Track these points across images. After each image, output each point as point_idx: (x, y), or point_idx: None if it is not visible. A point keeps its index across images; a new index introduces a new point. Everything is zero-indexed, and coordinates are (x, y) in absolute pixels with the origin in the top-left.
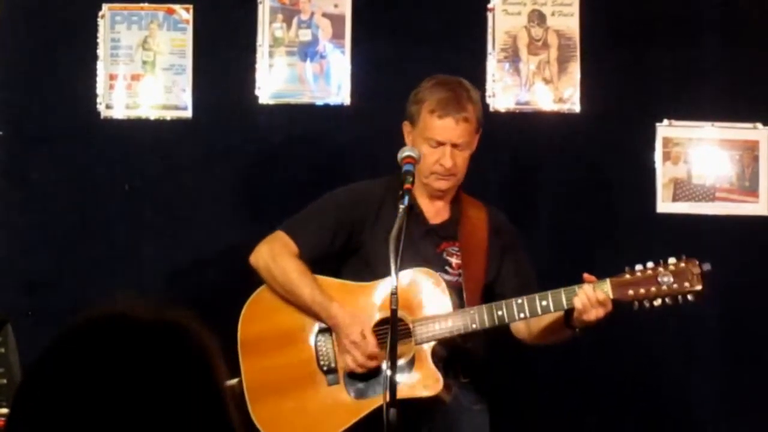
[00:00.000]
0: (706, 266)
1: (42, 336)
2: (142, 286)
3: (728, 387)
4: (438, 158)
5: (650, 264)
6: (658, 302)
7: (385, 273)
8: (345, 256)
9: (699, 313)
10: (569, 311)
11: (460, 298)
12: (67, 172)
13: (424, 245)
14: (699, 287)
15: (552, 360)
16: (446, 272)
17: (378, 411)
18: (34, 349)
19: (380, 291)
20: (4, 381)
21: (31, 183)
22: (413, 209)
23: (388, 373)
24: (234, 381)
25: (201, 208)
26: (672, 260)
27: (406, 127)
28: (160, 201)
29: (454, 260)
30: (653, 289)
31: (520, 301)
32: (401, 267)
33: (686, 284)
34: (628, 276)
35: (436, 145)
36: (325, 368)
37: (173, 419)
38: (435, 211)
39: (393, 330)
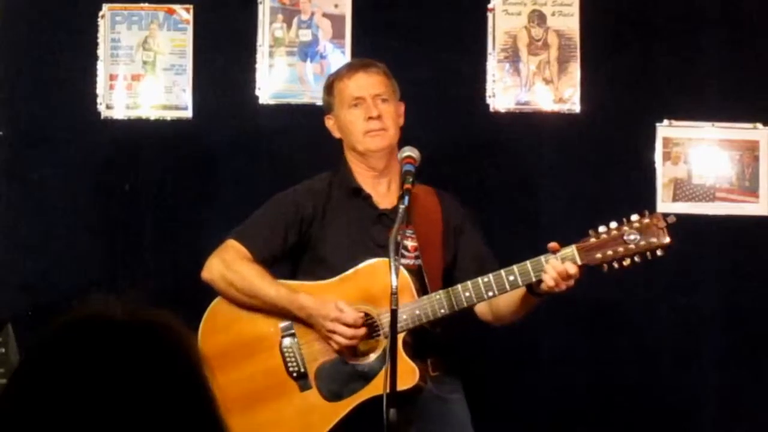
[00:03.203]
0: (671, 218)
1: (36, 334)
2: (142, 286)
3: (728, 387)
4: (363, 114)
5: (614, 224)
6: (627, 262)
7: (342, 265)
8: (297, 258)
9: (699, 313)
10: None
11: (421, 281)
12: (67, 172)
13: (377, 230)
14: (666, 240)
15: (548, 359)
16: (403, 255)
17: (355, 411)
18: None
19: (344, 286)
20: (5, 381)
21: (31, 183)
22: (360, 194)
23: (388, 371)
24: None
25: (201, 209)
26: (635, 217)
27: (328, 120)
28: (161, 201)
29: (409, 243)
30: (621, 249)
31: (486, 279)
32: (356, 256)
33: (653, 239)
34: (593, 240)
35: (356, 102)
36: (294, 374)
37: (159, 418)
38: (382, 197)
39: (393, 329)
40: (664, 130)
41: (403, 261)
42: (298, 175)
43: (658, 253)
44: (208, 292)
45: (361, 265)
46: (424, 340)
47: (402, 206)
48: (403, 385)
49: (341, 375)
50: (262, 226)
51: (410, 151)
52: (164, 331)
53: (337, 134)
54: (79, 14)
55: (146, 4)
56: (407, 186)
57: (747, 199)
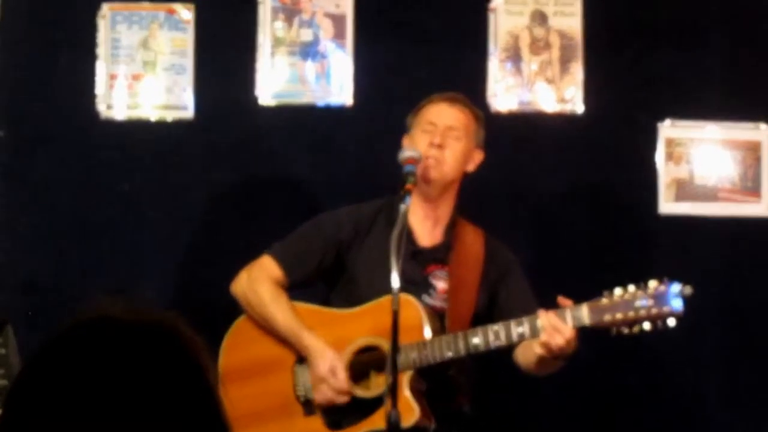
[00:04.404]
0: (687, 290)
1: (42, 336)
2: (142, 286)
3: (728, 387)
4: (429, 139)
5: (631, 287)
6: (636, 328)
7: (370, 294)
8: (333, 279)
9: (700, 314)
10: None
11: (442, 323)
12: (67, 172)
13: (410, 266)
14: (679, 311)
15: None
16: (430, 295)
17: None
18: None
19: (362, 317)
20: (5, 381)
21: (31, 183)
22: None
23: (390, 378)
24: None
25: (201, 209)
26: (652, 283)
27: (406, 140)
28: (161, 201)
29: (440, 284)
30: (630, 313)
31: (496, 328)
32: (383, 290)
33: (665, 308)
34: (605, 300)
35: (428, 126)
36: (301, 399)
37: (165, 420)
38: (426, 234)
39: (394, 335)
40: (666, 130)
41: (429, 301)
42: (299, 176)
43: (669, 323)
44: (207, 293)
45: (382, 298)
46: (438, 380)
47: (403, 206)
48: (401, 422)
49: (345, 406)
50: (301, 245)
51: (411, 152)
52: (171, 333)
53: None
54: (79, 14)
55: (147, 4)
56: (408, 186)
57: (749, 199)
